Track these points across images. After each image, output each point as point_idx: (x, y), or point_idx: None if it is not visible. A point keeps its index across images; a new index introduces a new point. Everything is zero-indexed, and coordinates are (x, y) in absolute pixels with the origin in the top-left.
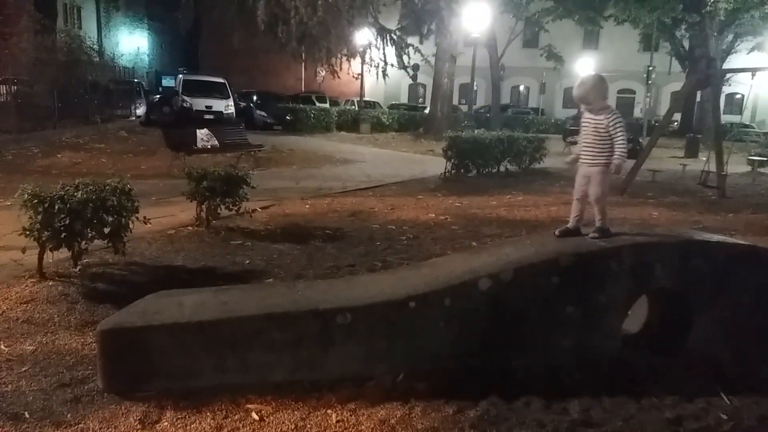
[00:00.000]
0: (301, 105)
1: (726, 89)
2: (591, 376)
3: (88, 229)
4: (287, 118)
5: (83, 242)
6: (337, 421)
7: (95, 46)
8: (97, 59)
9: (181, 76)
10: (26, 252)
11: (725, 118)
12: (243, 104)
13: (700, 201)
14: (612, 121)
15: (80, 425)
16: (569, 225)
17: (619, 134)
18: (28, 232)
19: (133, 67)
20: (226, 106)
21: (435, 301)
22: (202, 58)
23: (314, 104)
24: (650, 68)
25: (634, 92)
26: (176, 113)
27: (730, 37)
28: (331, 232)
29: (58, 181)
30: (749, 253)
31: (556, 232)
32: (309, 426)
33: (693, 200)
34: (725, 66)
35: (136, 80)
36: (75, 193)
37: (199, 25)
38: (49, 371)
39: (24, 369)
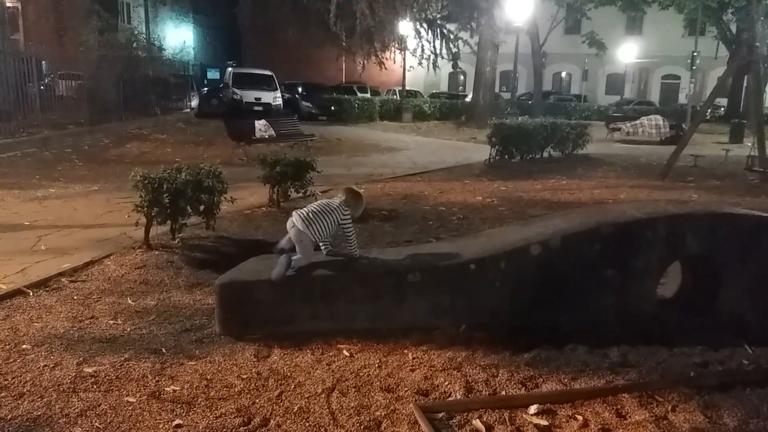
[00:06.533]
0: (344, 96)
1: None
2: (629, 330)
3: (188, 206)
4: (332, 108)
5: (183, 218)
6: (413, 358)
7: (156, 42)
8: (158, 54)
9: (230, 69)
10: (130, 226)
11: None
12: (288, 95)
13: (741, 185)
14: None
15: (207, 358)
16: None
17: None
18: (139, 209)
19: (188, 62)
20: (274, 97)
21: (492, 264)
22: (246, 50)
23: (356, 94)
24: (695, 53)
25: (678, 78)
26: (226, 105)
27: None
28: (387, 213)
29: (133, 168)
30: None
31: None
32: (390, 361)
33: (734, 184)
34: None
35: (189, 74)
36: (178, 175)
37: (244, 18)
38: (172, 320)
39: (152, 318)
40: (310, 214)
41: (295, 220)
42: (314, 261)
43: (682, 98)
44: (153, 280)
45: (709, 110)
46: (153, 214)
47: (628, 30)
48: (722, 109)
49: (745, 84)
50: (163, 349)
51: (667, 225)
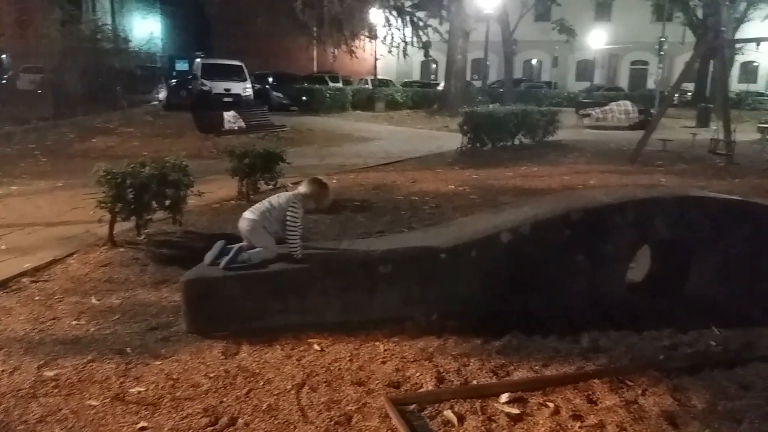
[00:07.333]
0: (316, 85)
1: (741, 58)
2: (599, 315)
3: (154, 201)
4: (303, 98)
5: (149, 213)
6: (385, 350)
7: (121, 34)
8: (124, 46)
9: (199, 60)
10: (95, 223)
11: (741, 87)
12: (258, 86)
13: (709, 168)
14: None
15: (174, 357)
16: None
17: None
18: (102, 205)
19: (156, 53)
20: (244, 88)
21: (463, 252)
22: (215, 41)
23: (327, 84)
24: (662, 39)
25: (647, 63)
26: (195, 97)
27: (744, 5)
28: (359, 204)
29: (98, 163)
30: (740, 206)
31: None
32: (362, 354)
33: (701, 167)
34: (738, 35)
35: (157, 65)
36: (142, 170)
37: (211, 8)
38: (138, 319)
39: (116, 317)
40: (260, 206)
41: (245, 214)
42: (282, 254)
43: (651, 83)
44: (118, 278)
45: (676, 95)
46: (117, 210)
47: (598, 16)
48: (689, 93)
49: (711, 69)
50: (128, 349)
51: (636, 210)
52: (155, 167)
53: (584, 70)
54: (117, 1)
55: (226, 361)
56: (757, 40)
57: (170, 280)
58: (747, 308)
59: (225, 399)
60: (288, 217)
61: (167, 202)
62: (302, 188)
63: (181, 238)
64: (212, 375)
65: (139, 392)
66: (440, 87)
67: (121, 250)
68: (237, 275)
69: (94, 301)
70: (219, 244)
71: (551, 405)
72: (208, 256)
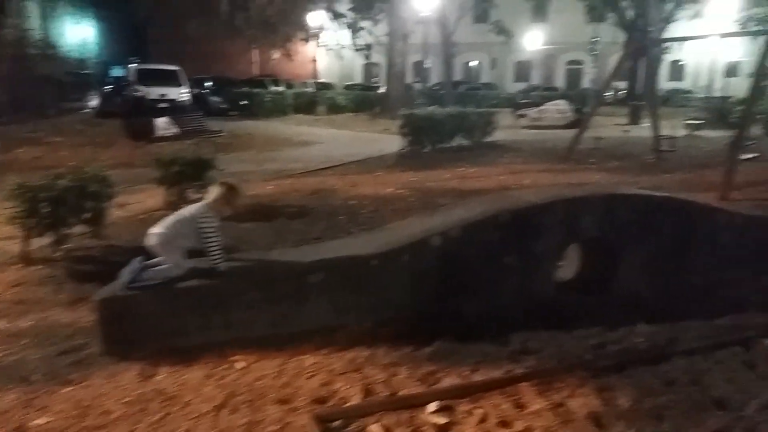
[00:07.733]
0: (255, 89)
1: (669, 57)
2: (530, 315)
3: (71, 215)
4: (242, 103)
5: (66, 227)
6: (312, 363)
7: (49, 40)
8: (53, 52)
9: (134, 65)
10: (7, 240)
11: (670, 85)
12: (196, 90)
13: (639, 164)
14: None
15: (85, 382)
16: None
17: None
18: (14, 221)
19: (89, 59)
20: (179, 93)
21: (394, 258)
22: (153, 45)
23: (267, 88)
24: (595, 39)
25: (582, 63)
26: (129, 103)
27: (671, 5)
28: (296, 210)
29: (24, 176)
30: (666, 202)
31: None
32: (288, 369)
33: (632, 164)
34: (666, 34)
35: (89, 72)
36: (57, 182)
37: (143, 11)
38: (49, 342)
39: (25, 342)
40: (169, 219)
41: (152, 229)
42: (202, 268)
43: (586, 82)
44: (31, 298)
45: (610, 93)
46: (30, 226)
47: (534, 17)
48: (622, 92)
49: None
50: (34, 377)
51: (564, 209)
52: (73, 179)
53: (522, 70)
54: (47, 5)
55: (142, 384)
56: (681, 39)
57: (88, 298)
58: (673, 302)
59: (138, 426)
60: (202, 229)
61: (86, 216)
62: (210, 195)
63: (102, 253)
64: (126, 400)
65: (43, 424)
66: (382, 90)
67: (37, 267)
68: (155, 292)
69: (1, 324)
70: (136, 261)
71: (479, 412)
72: (125, 274)
